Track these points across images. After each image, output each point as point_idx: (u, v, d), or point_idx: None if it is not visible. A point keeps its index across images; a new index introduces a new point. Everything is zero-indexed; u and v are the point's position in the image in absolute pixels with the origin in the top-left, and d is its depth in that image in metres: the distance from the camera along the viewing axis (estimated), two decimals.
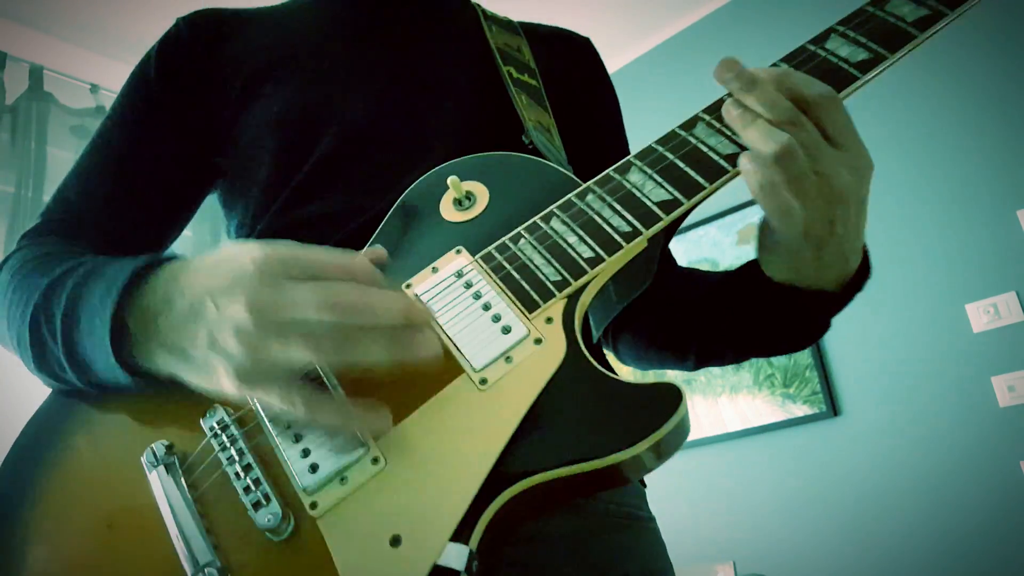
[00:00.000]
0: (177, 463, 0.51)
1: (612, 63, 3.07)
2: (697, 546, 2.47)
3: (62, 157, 2.42)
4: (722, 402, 2.54)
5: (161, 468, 0.50)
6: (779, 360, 2.43)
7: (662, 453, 0.47)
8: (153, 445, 0.51)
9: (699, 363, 0.71)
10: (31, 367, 0.60)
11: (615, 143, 0.84)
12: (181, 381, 0.50)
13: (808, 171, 0.50)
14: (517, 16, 0.87)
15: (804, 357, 2.38)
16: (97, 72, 2.61)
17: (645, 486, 0.71)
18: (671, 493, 2.56)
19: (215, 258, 0.48)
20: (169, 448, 0.51)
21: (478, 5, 0.85)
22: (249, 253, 0.46)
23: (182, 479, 0.50)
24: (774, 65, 0.57)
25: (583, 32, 0.90)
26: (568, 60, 0.85)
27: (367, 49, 0.75)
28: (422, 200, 0.62)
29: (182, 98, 0.72)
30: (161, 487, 0.49)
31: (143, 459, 0.51)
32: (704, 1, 2.84)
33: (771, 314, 0.61)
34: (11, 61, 2.37)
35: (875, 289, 2.35)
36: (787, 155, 0.49)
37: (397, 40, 0.76)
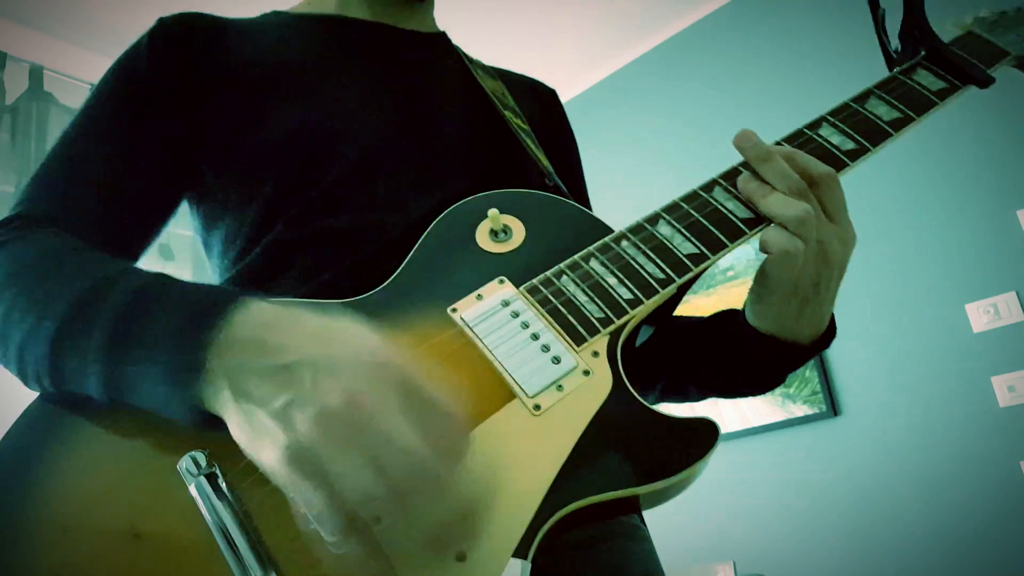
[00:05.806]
0: (219, 473, 0.47)
1: (607, 67, 3.08)
2: (697, 546, 2.48)
3: None
4: (722, 402, 2.54)
5: (202, 479, 0.47)
6: None
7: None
8: (193, 453, 0.48)
9: (662, 396, 0.78)
10: (12, 367, 0.55)
11: (583, 193, 0.90)
12: (219, 419, 0.46)
13: (813, 237, 0.58)
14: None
15: None
16: (97, 72, 2.59)
17: None
18: None
19: (331, 326, 0.46)
20: (209, 457, 0.48)
21: (459, 48, 0.86)
22: (370, 342, 0.44)
23: (227, 491, 0.47)
24: (778, 143, 0.66)
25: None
26: (540, 107, 0.90)
27: (371, 72, 0.76)
28: (457, 226, 0.65)
29: (175, 98, 0.69)
30: (207, 498, 0.46)
31: (181, 467, 0.47)
32: (702, 3, 2.85)
33: (746, 358, 0.68)
34: (11, 61, 2.37)
35: (875, 289, 2.34)
36: (805, 221, 0.58)
37: (398, 67, 0.78)
